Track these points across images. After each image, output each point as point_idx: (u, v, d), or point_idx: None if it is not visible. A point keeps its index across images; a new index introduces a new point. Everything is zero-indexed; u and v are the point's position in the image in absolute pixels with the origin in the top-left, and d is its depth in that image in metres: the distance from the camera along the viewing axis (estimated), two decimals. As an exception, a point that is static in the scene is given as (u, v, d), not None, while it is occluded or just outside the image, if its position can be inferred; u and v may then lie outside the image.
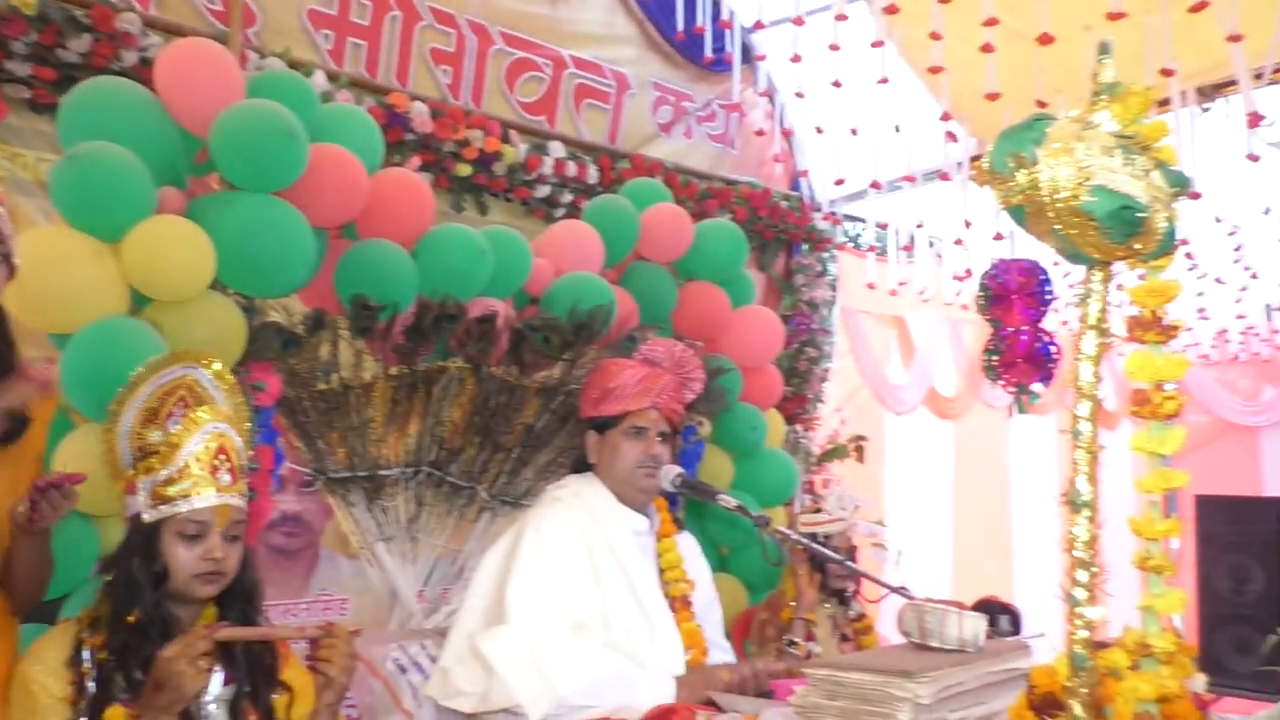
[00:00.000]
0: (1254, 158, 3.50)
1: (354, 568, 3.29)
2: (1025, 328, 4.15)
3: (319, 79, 3.23)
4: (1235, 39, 3.17)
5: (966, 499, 6.33)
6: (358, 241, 2.58)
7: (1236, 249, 4.86)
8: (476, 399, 2.66)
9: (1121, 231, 0.95)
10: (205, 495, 1.71)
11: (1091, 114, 0.97)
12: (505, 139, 3.79)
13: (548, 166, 3.90)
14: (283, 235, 2.27)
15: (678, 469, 2.28)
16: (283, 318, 2.44)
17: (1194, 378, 7.78)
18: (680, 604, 2.24)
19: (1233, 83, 3.67)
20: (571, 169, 3.97)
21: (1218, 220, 4.38)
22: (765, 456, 3.58)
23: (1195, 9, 3.05)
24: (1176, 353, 1.01)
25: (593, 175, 4.05)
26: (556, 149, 3.96)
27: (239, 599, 1.79)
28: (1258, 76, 3.38)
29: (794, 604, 3.13)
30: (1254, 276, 5.26)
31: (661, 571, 2.28)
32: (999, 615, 2.45)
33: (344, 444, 2.59)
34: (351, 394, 2.54)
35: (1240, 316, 6.40)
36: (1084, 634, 1.01)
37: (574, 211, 3.88)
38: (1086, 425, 1.01)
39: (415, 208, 2.68)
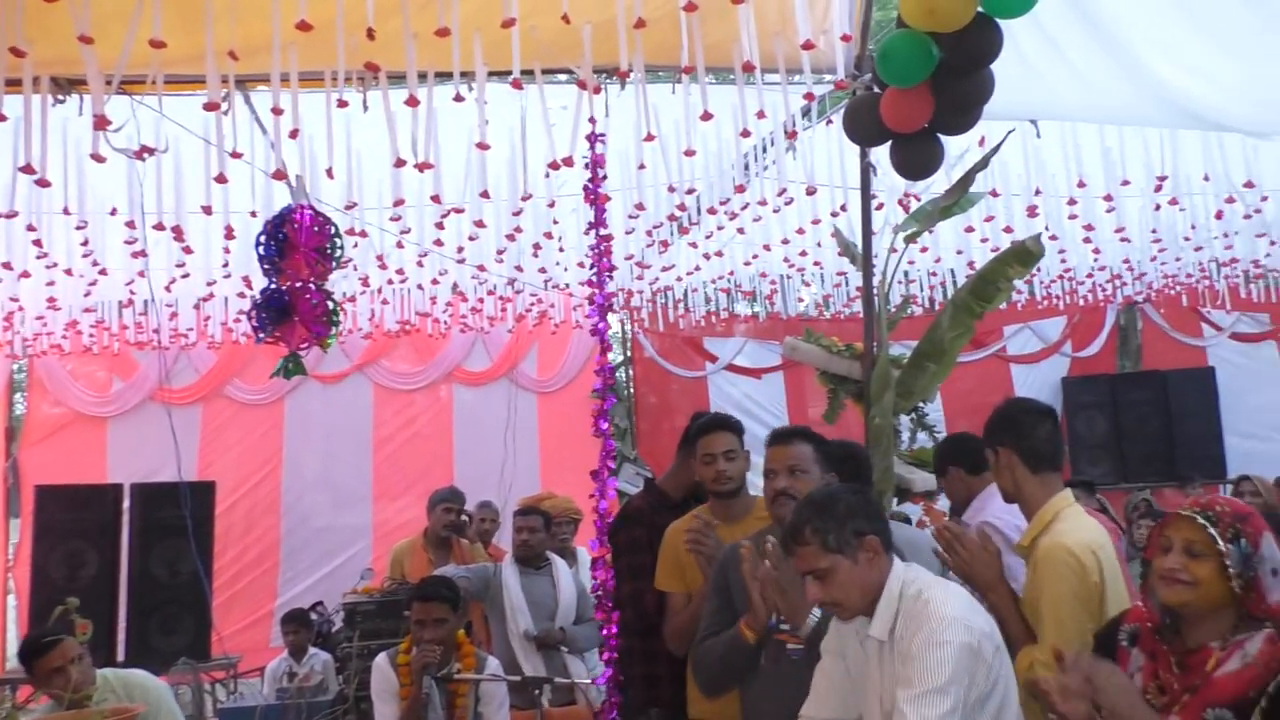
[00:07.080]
0: (99, 158, 3.68)
1: None
2: None
3: None
4: (86, 40, 3.30)
5: None
6: None
7: (85, 243, 5.02)
8: None
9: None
10: None
11: None
12: None
13: None
14: None
15: None
16: None
17: (46, 369, 7.73)
18: None
19: (85, 81, 3.80)
20: None
21: (67, 212, 4.45)
22: None
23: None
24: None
25: None
26: None
27: None
28: (109, 82, 3.57)
29: None
30: (103, 272, 5.48)
31: None
32: None
33: None
34: None
35: (89, 310, 6.62)
36: None
37: None
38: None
39: None
